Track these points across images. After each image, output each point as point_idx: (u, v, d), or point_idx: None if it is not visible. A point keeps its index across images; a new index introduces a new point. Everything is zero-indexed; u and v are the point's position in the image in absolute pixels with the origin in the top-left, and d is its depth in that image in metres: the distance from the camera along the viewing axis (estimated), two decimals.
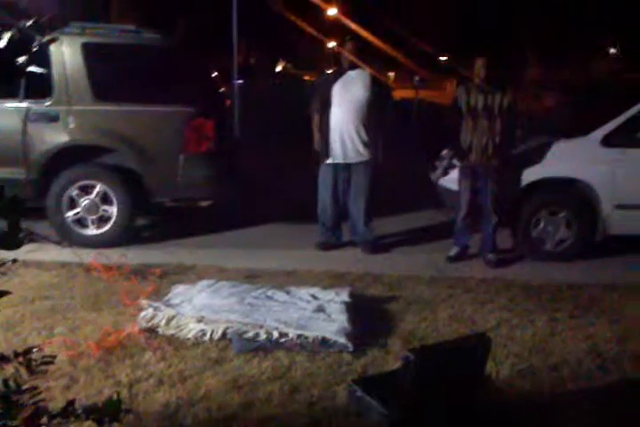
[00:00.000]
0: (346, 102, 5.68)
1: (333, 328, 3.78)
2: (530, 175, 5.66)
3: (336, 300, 4.25)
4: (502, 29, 25.06)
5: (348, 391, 3.10)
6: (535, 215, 5.71)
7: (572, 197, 5.75)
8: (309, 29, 29.19)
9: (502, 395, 3.26)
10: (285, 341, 3.67)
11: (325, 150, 5.76)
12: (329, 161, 5.77)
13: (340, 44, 6.41)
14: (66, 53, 5.74)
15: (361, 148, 5.73)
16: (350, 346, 3.64)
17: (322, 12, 30.38)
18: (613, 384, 3.42)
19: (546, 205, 5.74)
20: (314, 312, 4.04)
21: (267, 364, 3.46)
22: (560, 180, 5.71)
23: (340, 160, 5.77)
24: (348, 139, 5.70)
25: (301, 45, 36.08)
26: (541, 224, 5.72)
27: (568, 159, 5.71)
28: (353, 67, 5.77)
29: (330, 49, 34.08)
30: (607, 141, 5.61)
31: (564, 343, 3.89)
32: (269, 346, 3.64)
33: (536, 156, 5.70)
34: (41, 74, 5.76)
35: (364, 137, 5.72)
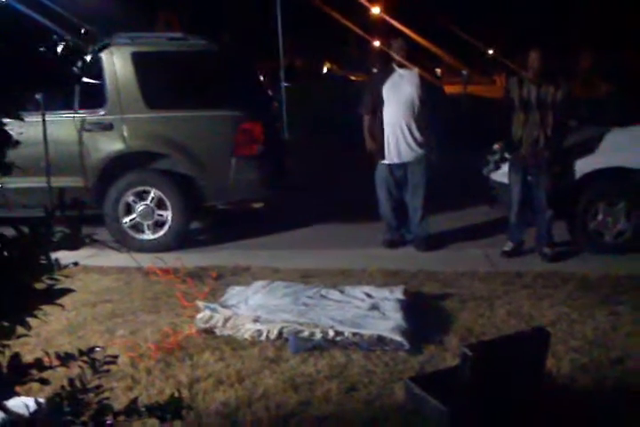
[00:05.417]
0: (396, 101, 5.67)
1: (389, 326, 3.77)
2: (585, 166, 5.53)
3: (390, 298, 4.24)
4: (552, 18, 24.53)
5: (405, 389, 3.09)
6: (592, 207, 5.58)
7: (631, 186, 5.58)
8: (354, 29, 29.15)
9: (564, 390, 3.19)
10: (341, 339, 3.68)
11: (380, 150, 5.76)
12: (385, 161, 5.77)
13: (387, 44, 6.39)
14: (117, 63, 5.88)
15: (415, 146, 5.71)
16: (406, 344, 3.63)
17: (366, 11, 30.33)
18: None
19: (603, 197, 5.60)
20: (368, 310, 4.03)
21: (323, 363, 3.48)
22: (617, 169, 5.56)
23: (395, 160, 5.76)
24: (402, 138, 5.69)
25: (347, 46, 36.09)
26: (599, 216, 5.58)
27: (624, 148, 5.56)
28: (401, 65, 5.75)
29: (375, 48, 34.00)
30: None
31: (627, 337, 3.79)
32: (325, 345, 3.65)
33: (591, 146, 5.57)
34: (94, 84, 5.91)
35: (418, 135, 5.70)
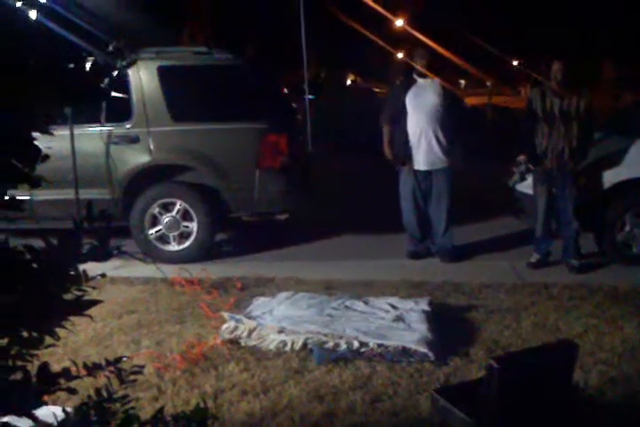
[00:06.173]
0: (421, 110, 5.68)
1: (414, 338, 3.75)
2: (612, 177, 5.48)
3: (415, 309, 4.22)
4: (576, 30, 24.41)
5: (431, 401, 3.07)
6: (620, 218, 5.51)
7: None
8: (377, 41, 29.22)
9: (592, 403, 3.15)
10: (365, 350, 3.68)
11: (403, 158, 5.76)
12: (415, 167, 5.77)
13: (409, 54, 6.42)
14: (143, 77, 5.97)
15: (441, 154, 5.72)
16: (432, 355, 3.61)
17: (390, 23, 30.39)
18: None
19: (631, 208, 5.53)
20: (393, 322, 4.02)
21: (348, 373, 3.47)
22: None
23: (422, 167, 5.75)
24: (428, 145, 5.70)
25: (370, 57, 36.17)
26: (626, 227, 5.52)
27: None
28: (423, 75, 5.76)
29: (399, 59, 34.02)
30: None
31: None
32: (350, 356, 3.65)
33: (617, 157, 5.52)
34: (121, 98, 5.99)
35: (444, 143, 5.71)
